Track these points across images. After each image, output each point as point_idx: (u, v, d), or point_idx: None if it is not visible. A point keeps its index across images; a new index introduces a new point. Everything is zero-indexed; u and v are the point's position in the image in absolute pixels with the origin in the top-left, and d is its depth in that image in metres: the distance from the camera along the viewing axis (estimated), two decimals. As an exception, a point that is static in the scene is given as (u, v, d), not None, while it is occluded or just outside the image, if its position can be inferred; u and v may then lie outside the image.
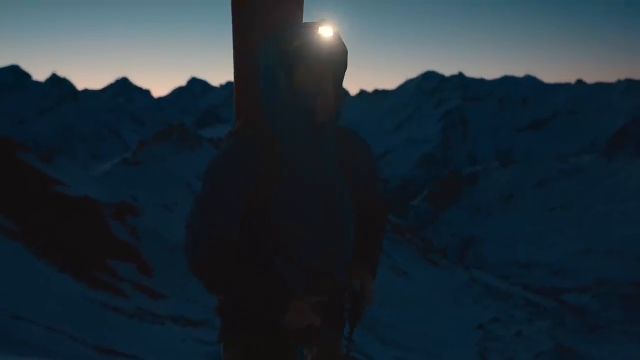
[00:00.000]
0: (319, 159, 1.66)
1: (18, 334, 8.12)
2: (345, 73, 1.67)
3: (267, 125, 1.66)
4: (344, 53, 1.63)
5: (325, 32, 1.58)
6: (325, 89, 1.59)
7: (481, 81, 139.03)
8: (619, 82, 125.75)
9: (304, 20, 1.89)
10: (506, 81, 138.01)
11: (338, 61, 1.62)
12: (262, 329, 1.68)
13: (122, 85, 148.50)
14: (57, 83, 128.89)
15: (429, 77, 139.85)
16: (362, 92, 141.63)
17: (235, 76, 1.86)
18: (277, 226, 1.65)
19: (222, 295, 1.69)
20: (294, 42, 1.57)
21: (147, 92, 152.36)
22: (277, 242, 1.66)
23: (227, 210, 1.61)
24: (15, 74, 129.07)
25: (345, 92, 1.90)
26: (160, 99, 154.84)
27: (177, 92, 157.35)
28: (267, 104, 1.64)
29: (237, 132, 1.68)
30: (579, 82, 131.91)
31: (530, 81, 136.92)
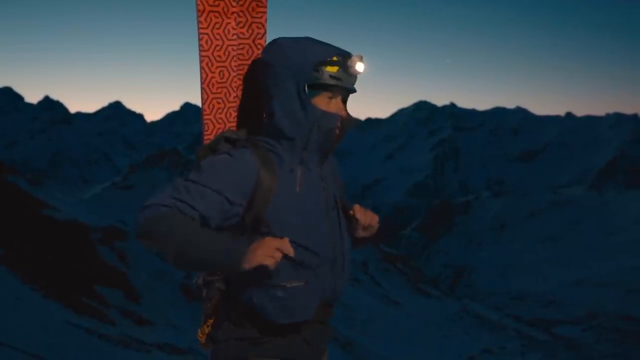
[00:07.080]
0: (322, 180, 1.74)
1: (-2, 362, 7.88)
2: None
3: (271, 138, 1.69)
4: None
5: (359, 66, 1.65)
6: (344, 115, 1.68)
7: (473, 112, 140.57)
8: (608, 115, 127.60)
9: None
10: (497, 112, 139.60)
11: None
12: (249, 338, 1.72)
13: (115, 109, 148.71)
14: (50, 106, 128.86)
15: (422, 107, 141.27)
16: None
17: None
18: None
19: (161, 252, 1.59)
20: (332, 67, 1.61)
21: (140, 117, 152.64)
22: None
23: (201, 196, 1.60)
24: (8, 96, 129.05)
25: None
26: (153, 123, 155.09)
27: (171, 117, 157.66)
28: (288, 120, 1.64)
29: (237, 141, 1.74)
30: (569, 114, 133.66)
31: (520, 113, 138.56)
